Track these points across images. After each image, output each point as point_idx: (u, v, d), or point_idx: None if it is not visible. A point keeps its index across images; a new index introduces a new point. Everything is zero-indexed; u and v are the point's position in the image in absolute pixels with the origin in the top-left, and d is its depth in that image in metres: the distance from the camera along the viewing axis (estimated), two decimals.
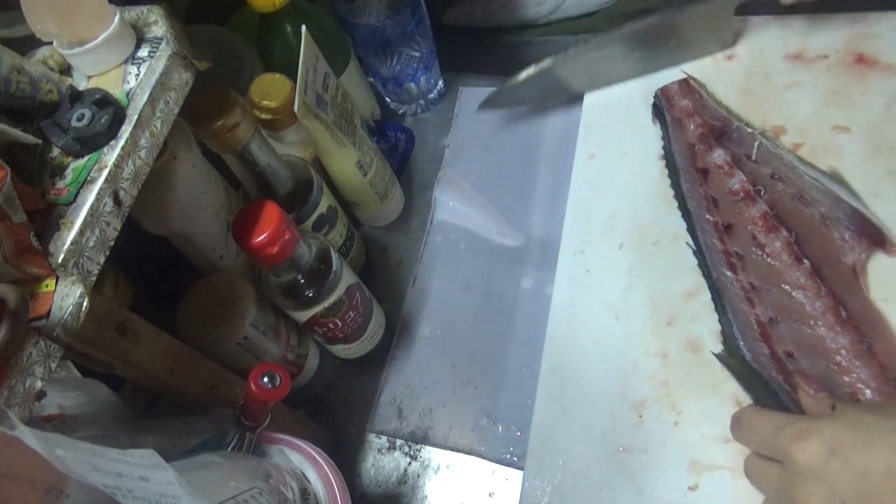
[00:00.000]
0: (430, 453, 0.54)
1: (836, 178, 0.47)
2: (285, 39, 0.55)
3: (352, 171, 0.57)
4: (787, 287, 0.44)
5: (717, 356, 0.44)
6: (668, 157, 0.52)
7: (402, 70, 0.65)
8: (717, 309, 0.45)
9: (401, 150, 0.69)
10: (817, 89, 0.51)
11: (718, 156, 0.49)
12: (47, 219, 0.32)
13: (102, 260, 0.32)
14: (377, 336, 0.57)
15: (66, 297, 0.29)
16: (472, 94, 0.71)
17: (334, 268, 0.48)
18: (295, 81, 0.48)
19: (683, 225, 0.50)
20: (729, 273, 0.46)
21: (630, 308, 0.48)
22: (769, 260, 0.45)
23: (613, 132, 0.56)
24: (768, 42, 0.55)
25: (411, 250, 0.64)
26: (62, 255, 0.30)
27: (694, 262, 0.48)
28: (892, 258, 0.43)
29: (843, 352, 0.40)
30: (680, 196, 0.50)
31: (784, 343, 0.42)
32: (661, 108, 0.55)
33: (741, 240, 0.46)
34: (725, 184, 0.48)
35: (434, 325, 0.59)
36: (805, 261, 0.44)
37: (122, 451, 0.23)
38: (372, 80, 0.70)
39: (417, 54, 0.64)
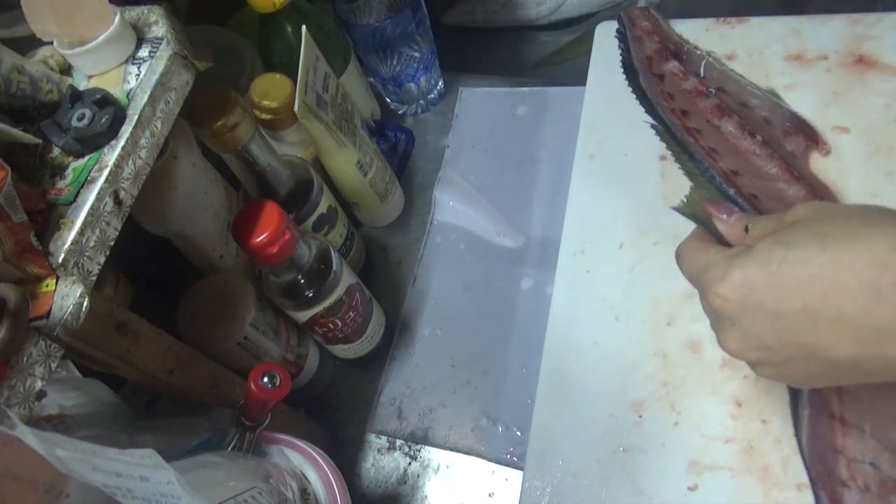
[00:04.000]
0: (430, 453, 0.54)
1: (775, 95, 0.51)
2: (285, 39, 0.55)
3: (352, 171, 0.57)
4: (743, 154, 0.48)
5: (678, 209, 0.45)
6: (627, 64, 0.56)
7: (402, 70, 0.65)
8: (684, 162, 0.48)
9: (401, 150, 0.69)
10: (817, 90, 0.51)
11: (673, 65, 0.54)
12: (47, 219, 0.32)
13: (102, 260, 0.32)
14: (377, 336, 0.57)
15: (67, 297, 0.29)
16: (472, 94, 0.71)
17: (334, 268, 0.48)
18: (295, 81, 0.48)
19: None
20: (690, 139, 0.50)
21: (630, 308, 0.48)
22: (725, 136, 0.49)
23: (613, 132, 0.56)
24: (768, 42, 0.55)
25: (411, 250, 0.64)
26: (62, 255, 0.30)
27: None
28: (825, 158, 0.47)
29: (800, 201, 0.44)
30: (638, 90, 0.54)
31: (748, 188, 0.45)
32: (624, 28, 0.58)
33: (697, 122, 0.51)
34: (680, 85, 0.53)
35: (434, 325, 0.59)
36: (757, 135, 0.48)
37: (122, 451, 0.23)
38: (372, 80, 0.70)
39: (417, 54, 0.64)
